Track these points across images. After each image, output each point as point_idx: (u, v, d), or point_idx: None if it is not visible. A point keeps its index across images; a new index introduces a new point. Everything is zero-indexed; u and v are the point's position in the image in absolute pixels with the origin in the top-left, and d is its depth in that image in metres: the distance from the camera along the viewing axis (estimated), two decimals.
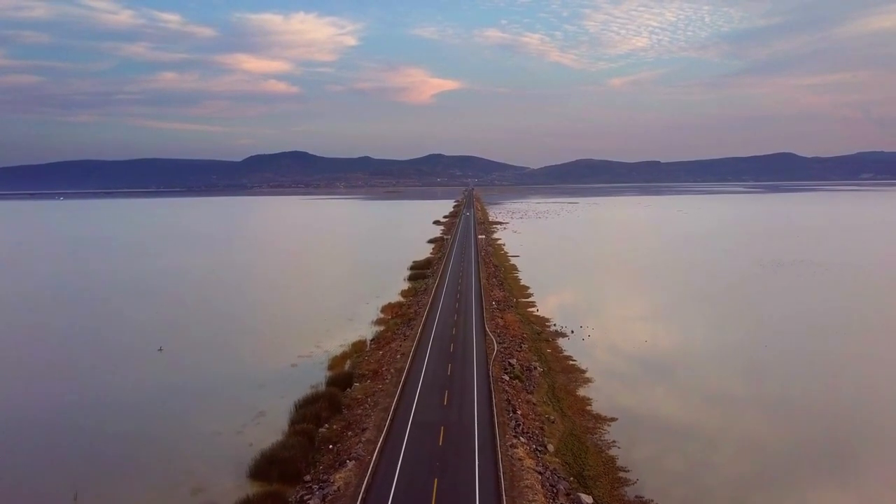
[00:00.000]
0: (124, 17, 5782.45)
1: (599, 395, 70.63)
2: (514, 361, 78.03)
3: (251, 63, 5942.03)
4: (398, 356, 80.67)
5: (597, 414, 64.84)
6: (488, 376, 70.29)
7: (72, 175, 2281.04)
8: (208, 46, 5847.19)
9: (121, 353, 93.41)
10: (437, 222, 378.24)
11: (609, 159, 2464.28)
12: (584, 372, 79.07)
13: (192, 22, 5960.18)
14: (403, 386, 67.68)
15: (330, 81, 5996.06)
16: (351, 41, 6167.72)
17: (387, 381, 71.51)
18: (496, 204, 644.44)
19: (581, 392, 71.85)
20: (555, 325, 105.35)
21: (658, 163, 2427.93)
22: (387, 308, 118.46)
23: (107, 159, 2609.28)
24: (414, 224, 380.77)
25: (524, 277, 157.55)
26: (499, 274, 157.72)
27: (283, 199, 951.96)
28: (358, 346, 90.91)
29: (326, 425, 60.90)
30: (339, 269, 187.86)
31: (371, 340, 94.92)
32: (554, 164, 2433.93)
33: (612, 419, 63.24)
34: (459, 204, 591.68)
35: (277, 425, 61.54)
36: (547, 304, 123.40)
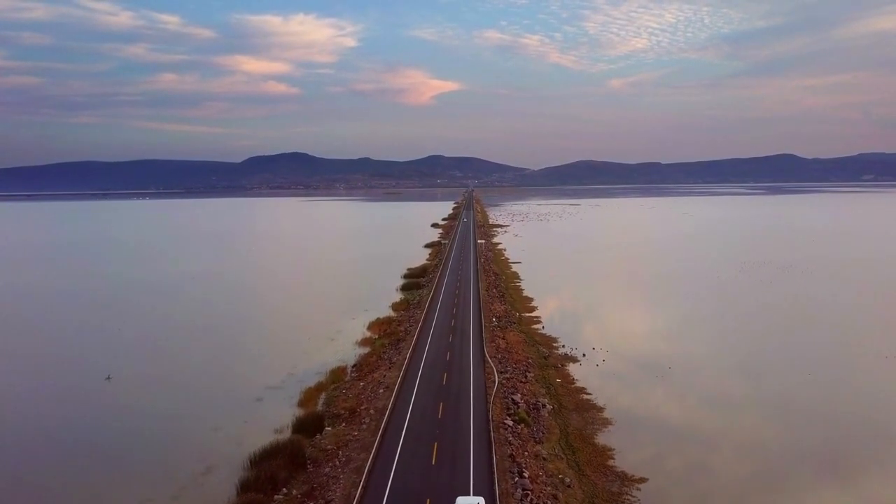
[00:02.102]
0: (124, 19, 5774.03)
1: (623, 442, 58.08)
2: (518, 398, 65.66)
3: (251, 64, 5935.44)
4: (381, 390, 68.27)
5: (622, 472, 52.30)
6: (488, 420, 57.94)
7: (71, 176, 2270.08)
8: (208, 48, 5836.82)
9: (62, 382, 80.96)
10: (435, 225, 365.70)
11: (609, 160, 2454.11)
12: (601, 410, 66.51)
13: (192, 23, 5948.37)
14: (384, 434, 55.29)
15: (330, 83, 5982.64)
16: (350, 42, 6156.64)
17: (364, 425, 59.11)
18: (496, 206, 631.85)
19: (600, 439, 59.29)
20: (563, 345, 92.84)
21: (659, 164, 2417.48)
22: (374, 325, 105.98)
23: (106, 160, 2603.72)
24: (411, 227, 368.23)
25: (527, 287, 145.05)
26: (499, 284, 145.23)
27: (281, 201, 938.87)
28: (337, 375, 78.46)
29: (284, 490, 48.55)
30: (327, 278, 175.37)
31: (352, 366, 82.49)
32: (554, 165, 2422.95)
33: (642, 480, 50.77)
34: (459, 206, 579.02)
35: (223, 489, 49.26)
36: (553, 320, 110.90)
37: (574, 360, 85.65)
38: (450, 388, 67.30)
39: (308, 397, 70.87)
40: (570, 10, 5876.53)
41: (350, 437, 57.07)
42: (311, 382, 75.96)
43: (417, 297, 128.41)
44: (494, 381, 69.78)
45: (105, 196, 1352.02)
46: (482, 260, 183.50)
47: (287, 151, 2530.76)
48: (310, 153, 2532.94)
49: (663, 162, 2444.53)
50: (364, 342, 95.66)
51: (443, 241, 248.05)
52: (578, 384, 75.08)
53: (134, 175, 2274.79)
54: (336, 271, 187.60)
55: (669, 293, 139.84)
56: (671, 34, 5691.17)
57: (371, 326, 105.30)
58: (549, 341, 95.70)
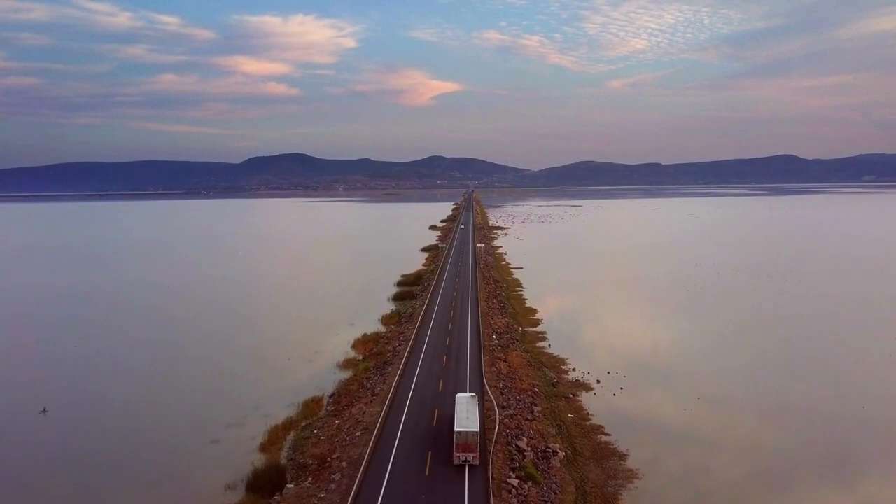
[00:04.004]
0: (123, 20, 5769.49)
1: None
2: (524, 443, 54.28)
3: (250, 65, 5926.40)
4: (358, 432, 56.82)
5: None
6: (487, 479, 46.47)
7: (71, 177, 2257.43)
8: (207, 48, 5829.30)
9: None
10: (433, 227, 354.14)
11: (610, 161, 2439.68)
12: (623, 457, 55.08)
13: (191, 24, 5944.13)
14: (356, 500, 43.85)
15: (329, 83, 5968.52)
16: (350, 43, 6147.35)
17: (333, 484, 47.68)
18: (496, 207, 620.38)
19: (626, 499, 47.92)
20: (573, 368, 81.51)
21: (659, 164, 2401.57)
22: (360, 342, 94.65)
23: (106, 161, 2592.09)
24: (409, 229, 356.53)
25: (530, 296, 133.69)
26: (500, 293, 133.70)
27: (279, 202, 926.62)
28: (310, 409, 67.08)
29: None
30: (314, 285, 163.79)
31: (329, 397, 71.11)
32: (554, 165, 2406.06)
33: None
34: (458, 207, 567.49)
35: None
36: (560, 335, 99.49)
37: (587, 387, 74.24)
38: (441, 430, 55.80)
39: (273, 439, 59.46)
40: (570, 11, 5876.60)
41: (315, 500, 45.65)
42: (280, 418, 64.62)
43: (410, 309, 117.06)
44: (495, 421, 58.33)
45: (103, 197, 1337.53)
46: (482, 266, 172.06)
47: (287, 152, 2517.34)
48: (309, 154, 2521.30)
49: (664, 163, 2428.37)
50: (346, 364, 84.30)
51: (440, 245, 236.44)
52: (594, 421, 63.68)
53: (134, 175, 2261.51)
54: (325, 278, 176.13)
55: (688, 302, 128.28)
56: (671, 35, 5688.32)
57: (356, 344, 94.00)
58: (557, 363, 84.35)
